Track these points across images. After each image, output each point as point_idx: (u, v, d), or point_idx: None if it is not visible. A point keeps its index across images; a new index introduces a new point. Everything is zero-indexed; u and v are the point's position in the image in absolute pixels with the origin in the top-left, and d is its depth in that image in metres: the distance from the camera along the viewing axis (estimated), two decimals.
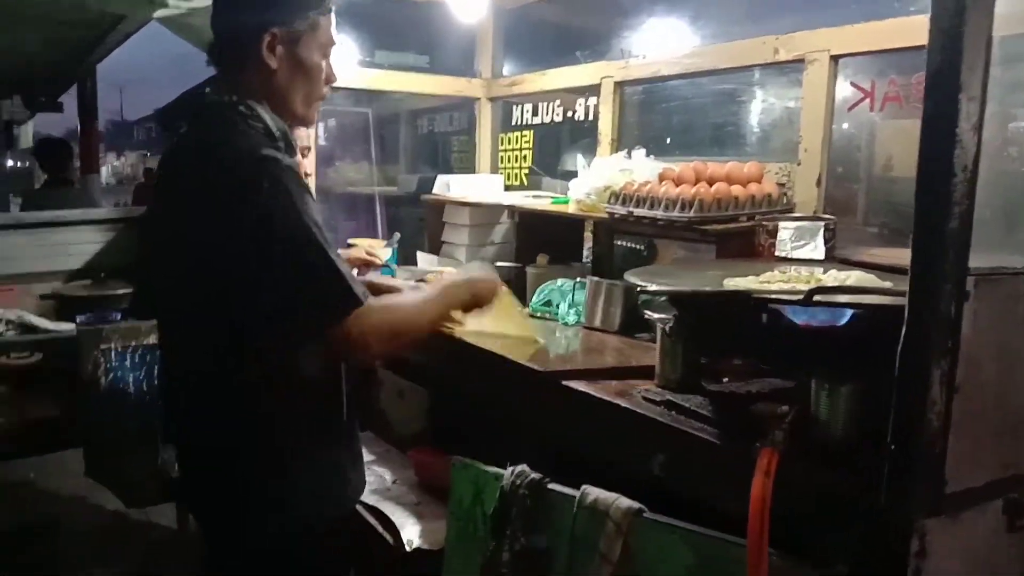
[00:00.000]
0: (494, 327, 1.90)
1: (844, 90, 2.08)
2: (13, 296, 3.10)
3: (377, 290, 1.68)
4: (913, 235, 1.02)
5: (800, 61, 2.08)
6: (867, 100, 1.98)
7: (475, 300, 1.64)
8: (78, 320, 2.83)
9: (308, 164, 3.10)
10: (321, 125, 3.76)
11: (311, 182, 3.11)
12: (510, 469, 1.51)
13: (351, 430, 1.54)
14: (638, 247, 2.30)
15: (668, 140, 3.00)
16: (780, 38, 2.15)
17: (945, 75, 0.99)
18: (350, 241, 2.95)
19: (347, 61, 3.02)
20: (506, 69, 3.50)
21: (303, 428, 1.42)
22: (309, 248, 1.28)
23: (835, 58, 2.01)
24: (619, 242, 2.40)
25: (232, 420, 1.39)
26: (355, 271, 1.87)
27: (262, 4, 1.38)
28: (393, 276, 2.45)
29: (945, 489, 1.07)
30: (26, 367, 2.74)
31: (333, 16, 1.47)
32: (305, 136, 2.78)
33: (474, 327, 1.83)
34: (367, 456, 2.26)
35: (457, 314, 1.62)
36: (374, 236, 3.29)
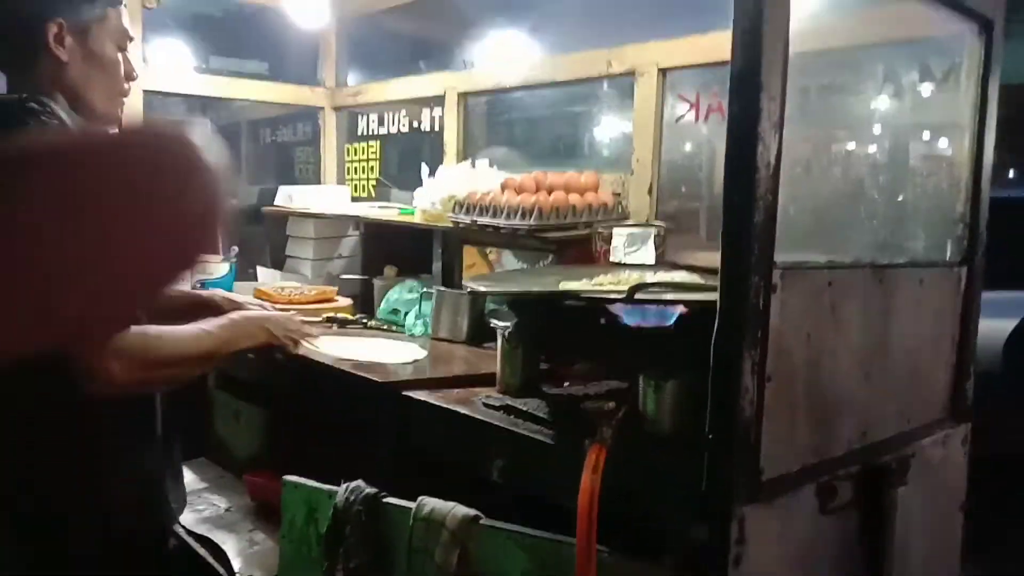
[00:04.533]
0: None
1: (681, 109, 2.15)
2: None
3: (220, 309, 1.62)
4: (723, 230, 1.06)
5: (631, 74, 2.15)
6: (693, 111, 2.07)
7: (270, 339, 1.58)
8: None
9: None
10: None
11: None
12: (344, 485, 1.45)
13: (168, 445, 1.43)
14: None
15: (511, 150, 3.03)
16: (612, 51, 2.21)
17: (747, 76, 1.03)
18: None
19: (180, 67, 2.85)
20: (351, 79, 3.42)
21: (108, 440, 1.31)
22: None
23: (663, 71, 2.09)
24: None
25: (38, 430, 1.26)
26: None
27: None
28: (231, 291, 2.33)
29: (762, 476, 1.11)
30: None
31: (125, 10, 1.39)
32: None
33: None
34: (200, 484, 2.12)
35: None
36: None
